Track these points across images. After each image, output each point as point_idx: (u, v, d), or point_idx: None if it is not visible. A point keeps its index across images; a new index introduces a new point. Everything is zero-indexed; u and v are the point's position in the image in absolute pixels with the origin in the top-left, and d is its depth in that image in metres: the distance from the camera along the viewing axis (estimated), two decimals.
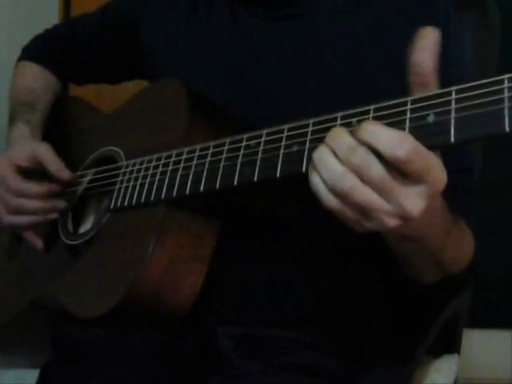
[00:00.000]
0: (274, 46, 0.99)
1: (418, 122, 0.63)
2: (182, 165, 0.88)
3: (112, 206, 0.97)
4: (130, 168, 0.98)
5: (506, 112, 0.56)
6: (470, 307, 1.18)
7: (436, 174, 0.63)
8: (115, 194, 0.98)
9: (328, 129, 0.69)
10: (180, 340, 0.97)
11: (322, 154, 0.65)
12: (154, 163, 0.93)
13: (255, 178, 0.78)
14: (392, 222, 0.65)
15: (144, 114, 1.05)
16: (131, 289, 0.88)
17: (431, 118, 0.61)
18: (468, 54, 0.99)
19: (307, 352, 0.94)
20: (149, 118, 1.03)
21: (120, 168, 1.00)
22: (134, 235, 0.92)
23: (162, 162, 0.91)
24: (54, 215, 1.08)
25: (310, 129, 0.71)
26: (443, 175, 0.63)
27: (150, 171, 0.93)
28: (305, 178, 0.68)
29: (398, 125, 0.64)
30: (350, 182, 0.63)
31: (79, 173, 1.11)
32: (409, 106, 0.64)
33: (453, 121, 0.60)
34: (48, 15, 1.86)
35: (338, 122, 0.69)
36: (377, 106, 0.67)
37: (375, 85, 0.90)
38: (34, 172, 1.09)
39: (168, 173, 0.90)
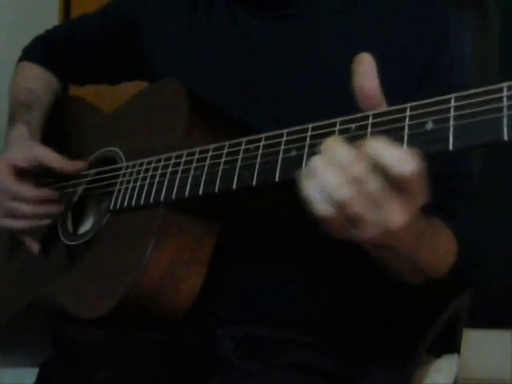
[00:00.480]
0: (274, 46, 1.00)
1: (417, 129, 0.63)
2: (181, 167, 0.88)
3: (112, 207, 0.97)
4: (129, 169, 0.97)
5: (505, 121, 0.56)
6: (469, 307, 1.18)
7: (425, 193, 0.66)
8: (115, 195, 0.98)
9: (327, 134, 0.69)
10: (179, 341, 0.97)
11: (320, 163, 0.66)
12: (153, 165, 0.93)
13: (254, 182, 0.78)
14: (374, 233, 0.66)
15: (144, 114, 1.05)
16: (130, 290, 0.88)
17: (430, 126, 0.61)
18: (468, 55, 0.99)
19: (307, 352, 0.94)
20: (149, 118, 1.03)
21: (120, 169, 1.00)
22: (134, 236, 0.92)
23: (162, 163, 0.91)
24: (47, 221, 1.08)
25: (309, 133, 0.71)
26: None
27: (150, 173, 0.93)
28: None
29: (396, 131, 0.64)
30: (348, 193, 0.64)
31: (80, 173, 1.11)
32: (407, 113, 0.64)
33: (451, 128, 0.60)
34: (48, 15, 1.85)
35: (337, 127, 0.69)
36: (376, 112, 0.67)
37: None
38: (31, 174, 1.08)
39: (167, 175, 0.90)
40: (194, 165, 0.85)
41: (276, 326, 0.96)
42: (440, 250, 0.88)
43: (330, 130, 0.69)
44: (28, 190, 1.07)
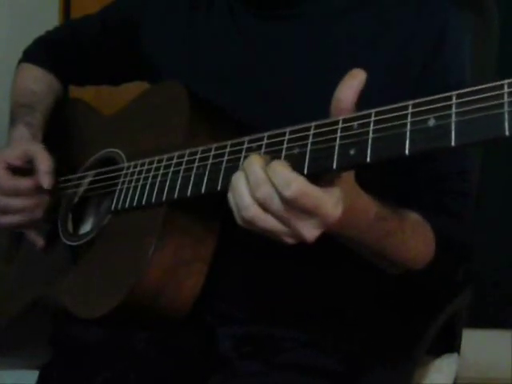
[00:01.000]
0: (274, 46, 1.00)
1: (419, 125, 0.63)
2: (183, 166, 0.88)
3: (113, 208, 0.98)
4: (131, 169, 0.98)
5: (506, 116, 0.56)
6: (470, 307, 1.19)
7: (325, 212, 0.70)
8: (116, 196, 0.98)
9: (330, 132, 0.70)
10: (180, 340, 0.98)
11: (238, 181, 0.72)
12: (155, 165, 0.93)
13: None
14: (291, 241, 0.73)
15: (145, 115, 1.05)
16: (132, 290, 0.88)
17: (432, 122, 0.62)
18: (467, 56, 0.99)
19: (307, 351, 0.95)
20: (150, 119, 1.03)
21: (121, 169, 1.00)
22: (135, 236, 0.92)
23: (164, 163, 0.92)
24: (39, 214, 1.07)
25: (312, 132, 0.72)
26: (334, 211, 0.70)
27: (152, 173, 0.93)
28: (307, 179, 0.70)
29: (398, 128, 0.64)
30: (252, 213, 0.71)
31: (79, 174, 1.11)
32: (410, 110, 0.64)
33: (453, 125, 0.60)
34: (48, 15, 1.85)
35: (340, 125, 0.69)
36: (378, 109, 0.67)
37: (376, 84, 0.90)
38: (25, 172, 1.07)
39: (169, 174, 0.90)
40: (196, 164, 0.86)
41: (276, 323, 0.96)
42: (417, 246, 0.90)
43: (332, 128, 0.70)
44: (19, 183, 1.05)
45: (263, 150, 0.76)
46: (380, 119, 0.66)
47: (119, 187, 0.98)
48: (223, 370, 0.95)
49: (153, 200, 0.91)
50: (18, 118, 1.15)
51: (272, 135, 0.76)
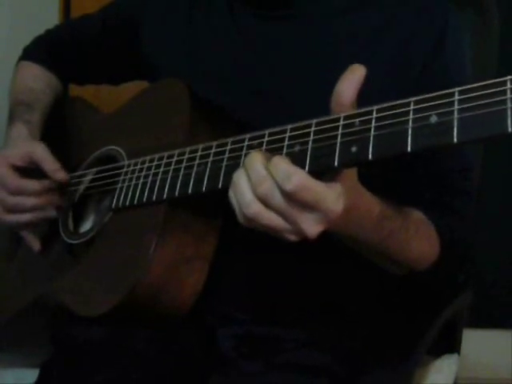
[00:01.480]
0: (273, 46, 1.00)
1: (421, 122, 0.63)
2: (184, 164, 0.88)
3: (114, 206, 0.97)
4: (131, 167, 0.98)
5: (509, 113, 0.56)
6: (470, 307, 1.18)
7: (327, 206, 0.69)
8: (117, 194, 0.98)
9: (332, 129, 0.70)
10: (181, 340, 0.97)
11: (239, 178, 0.72)
12: (156, 162, 0.93)
13: None
14: (293, 238, 0.73)
15: (146, 113, 1.05)
16: (134, 288, 0.88)
17: (434, 119, 0.62)
18: (467, 55, 0.99)
19: (307, 351, 0.95)
20: (151, 117, 1.03)
21: (122, 167, 1.00)
22: (136, 234, 0.92)
23: (164, 161, 0.92)
24: (52, 212, 1.07)
25: (313, 129, 0.71)
26: (336, 207, 0.70)
27: (152, 170, 0.93)
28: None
29: (400, 125, 0.64)
30: (253, 210, 0.70)
31: (79, 172, 1.11)
32: (412, 107, 0.64)
33: (455, 121, 0.60)
34: (48, 15, 1.85)
35: (341, 122, 0.69)
36: (379, 106, 0.67)
37: (376, 84, 0.90)
38: (31, 172, 1.08)
39: (170, 172, 0.90)
40: (197, 161, 0.85)
41: (277, 323, 0.96)
42: (421, 245, 0.90)
43: (334, 125, 0.70)
44: (30, 183, 1.06)
45: (264, 147, 0.76)
46: (382, 116, 0.66)
47: (120, 185, 0.98)
48: (223, 370, 0.94)
49: (154, 198, 0.91)
50: (16, 116, 1.15)
51: (273, 132, 0.76)
